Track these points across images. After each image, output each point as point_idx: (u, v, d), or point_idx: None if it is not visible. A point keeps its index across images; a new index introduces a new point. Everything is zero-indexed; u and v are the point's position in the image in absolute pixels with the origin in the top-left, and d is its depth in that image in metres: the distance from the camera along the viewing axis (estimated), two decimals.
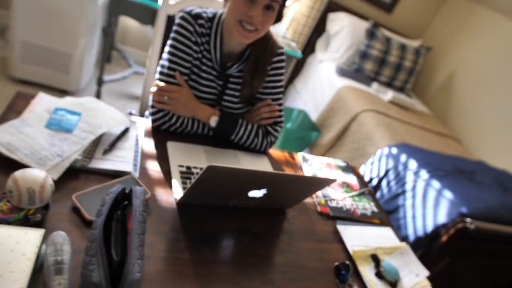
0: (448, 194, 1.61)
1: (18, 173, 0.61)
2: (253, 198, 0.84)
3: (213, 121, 1.03)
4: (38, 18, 1.82)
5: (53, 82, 2.07)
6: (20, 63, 1.93)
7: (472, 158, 2.27)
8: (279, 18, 0.97)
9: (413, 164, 1.80)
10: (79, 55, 2.01)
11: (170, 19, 1.34)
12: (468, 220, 1.46)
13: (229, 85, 1.07)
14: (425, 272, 0.96)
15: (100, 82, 2.17)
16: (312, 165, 1.23)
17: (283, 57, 1.09)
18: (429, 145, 2.22)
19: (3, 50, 2.23)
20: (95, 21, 2.07)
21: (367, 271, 0.88)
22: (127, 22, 2.71)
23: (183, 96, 1.00)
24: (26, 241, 0.54)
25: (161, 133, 1.03)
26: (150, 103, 1.01)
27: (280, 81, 1.10)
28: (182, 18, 0.98)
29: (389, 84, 2.98)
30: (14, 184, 0.60)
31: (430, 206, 1.60)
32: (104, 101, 1.82)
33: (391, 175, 1.84)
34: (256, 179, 0.74)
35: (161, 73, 1.00)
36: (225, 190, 0.78)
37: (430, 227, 1.55)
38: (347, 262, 0.87)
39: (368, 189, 1.25)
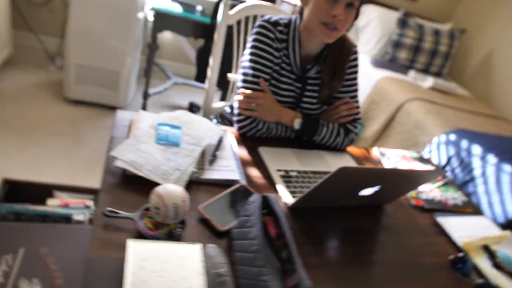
0: None
1: (161, 190, 0.63)
2: (361, 197, 0.83)
3: (297, 124, 1.04)
4: (90, 42, 1.89)
5: (103, 100, 2.13)
6: (74, 85, 2.00)
7: None
8: (356, 16, 0.97)
9: (477, 149, 1.76)
10: (126, 72, 2.06)
11: (229, 29, 1.35)
12: None
13: (307, 87, 1.08)
14: None
15: (146, 96, 2.22)
16: (390, 158, 1.22)
17: (358, 55, 1.10)
18: (483, 129, 2.16)
19: (56, 74, 2.32)
20: (139, 38, 2.12)
21: (483, 263, 0.86)
22: (161, 36, 2.76)
23: (268, 102, 1.01)
24: (189, 256, 0.56)
25: (247, 139, 1.04)
26: (236, 111, 1.02)
27: (356, 79, 1.11)
28: (262, 26, 1.00)
29: (425, 71, 2.92)
30: (160, 201, 0.61)
31: (507, 191, 1.56)
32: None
33: (455, 162, 1.80)
34: (378, 177, 0.73)
35: (245, 81, 1.02)
36: (340, 191, 0.78)
37: (511, 212, 1.51)
38: (462, 254, 0.85)
39: (450, 179, 1.22)
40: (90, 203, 0.94)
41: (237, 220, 0.66)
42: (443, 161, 1.84)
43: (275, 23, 1.01)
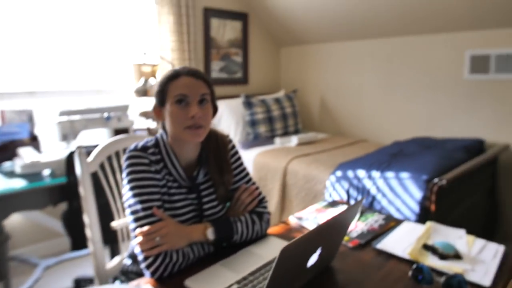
0: (405, 175, 1.83)
1: None
2: (310, 268, 0.81)
3: (210, 234, 0.98)
4: None
5: None
6: None
7: (383, 144, 2.67)
8: (214, 107, 1.05)
9: (361, 172, 1.99)
10: None
11: (94, 176, 1.27)
12: (436, 180, 1.68)
13: (202, 193, 1.06)
14: (461, 231, 1.05)
15: None
16: (308, 219, 1.26)
17: (233, 142, 1.16)
18: (354, 155, 2.50)
19: None
20: None
21: (432, 262, 0.92)
22: (9, 222, 2.37)
23: (171, 228, 0.93)
24: None
25: (167, 281, 0.91)
26: (141, 256, 0.90)
27: (242, 164, 1.15)
28: (132, 157, 0.97)
29: (286, 134, 3.30)
30: None
31: (401, 191, 1.78)
32: None
33: (353, 192, 1.98)
34: (317, 237, 0.73)
35: (137, 219, 0.93)
36: (292, 273, 0.73)
37: (416, 207, 1.70)
38: (415, 265, 0.89)
39: (363, 207, 1.33)
40: None
41: None
42: (345, 196, 2.01)
43: (144, 148, 1.00)
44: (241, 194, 1.10)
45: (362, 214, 1.28)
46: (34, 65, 2.49)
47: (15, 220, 2.41)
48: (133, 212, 0.94)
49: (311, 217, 1.27)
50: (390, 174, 1.89)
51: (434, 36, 2.73)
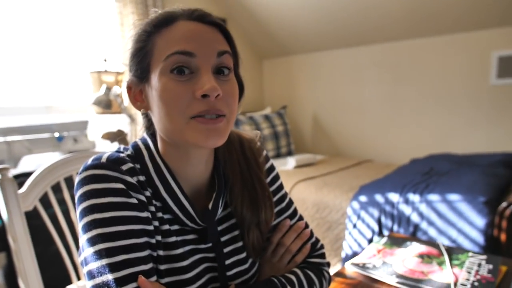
0: (454, 197, 1.49)
1: None
2: None
3: None
4: None
5: None
6: None
7: (393, 164, 2.36)
8: (241, 87, 0.63)
9: (394, 197, 1.66)
10: None
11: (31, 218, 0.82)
12: (504, 203, 1.35)
13: (223, 238, 0.65)
14: None
15: None
16: (376, 266, 0.86)
17: (265, 152, 0.75)
18: (348, 178, 2.19)
19: None
20: None
21: None
22: None
23: None
24: None
25: None
26: None
27: (282, 186, 0.75)
28: (93, 178, 0.53)
29: (278, 156, 2.96)
30: None
31: (454, 219, 1.44)
32: None
33: (387, 221, 1.62)
34: None
35: None
36: None
37: (479, 237, 1.36)
38: None
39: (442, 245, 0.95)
40: None
41: None
42: (375, 226, 1.64)
43: (117, 161, 0.55)
44: (285, 236, 0.70)
45: (450, 256, 0.89)
46: None
47: None
48: (98, 286, 0.49)
49: (377, 263, 0.88)
50: (434, 197, 1.54)
51: (452, 37, 2.47)
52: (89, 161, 0.55)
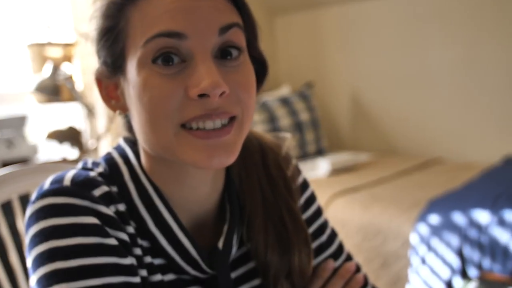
0: None
1: None
2: None
3: None
4: None
5: None
6: None
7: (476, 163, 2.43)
8: (264, 70, 0.66)
9: (482, 216, 1.75)
10: None
11: None
12: None
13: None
14: None
15: None
16: None
17: (294, 161, 0.80)
18: (438, 188, 2.21)
19: None
20: None
21: None
22: None
23: None
24: None
25: None
26: None
27: (320, 213, 0.81)
28: (54, 209, 0.56)
29: (304, 156, 3.01)
30: None
31: None
32: None
33: (473, 254, 1.70)
34: None
35: None
36: None
37: None
38: None
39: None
40: None
41: None
42: (454, 261, 1.71)
43: (86, 184, 0.59)
44: (328, 285, 0.75)
45: None
46: None
47: None
48: None
49: None
50: None
51: None
52: (46, 184, 0.59)
